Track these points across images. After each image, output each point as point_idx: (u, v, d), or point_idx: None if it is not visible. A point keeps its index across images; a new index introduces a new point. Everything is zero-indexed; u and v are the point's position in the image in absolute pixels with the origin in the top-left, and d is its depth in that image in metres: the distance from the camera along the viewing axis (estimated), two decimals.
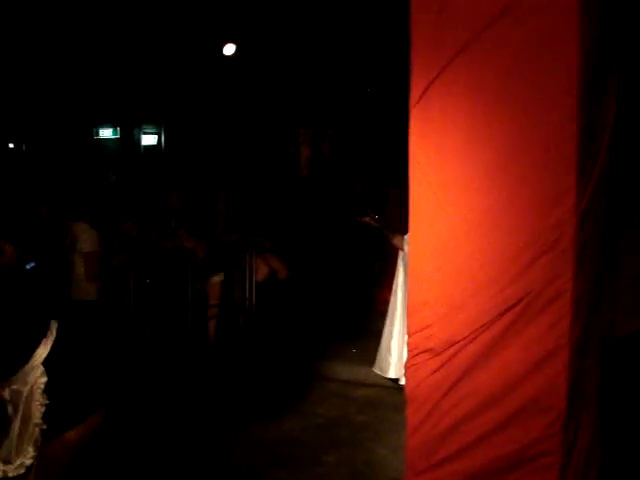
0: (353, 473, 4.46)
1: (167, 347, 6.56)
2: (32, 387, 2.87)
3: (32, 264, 3.43)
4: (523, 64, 3.02)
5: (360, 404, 5.65)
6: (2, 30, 9.37)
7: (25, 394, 2.87)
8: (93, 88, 12.84)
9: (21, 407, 2.86)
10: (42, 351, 2.91)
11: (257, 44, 10.13)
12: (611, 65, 3.16)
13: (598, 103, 3.08)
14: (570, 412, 3.07)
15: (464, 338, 3.21)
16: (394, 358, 5.70)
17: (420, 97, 3.24)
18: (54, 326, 3.02)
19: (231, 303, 7.34)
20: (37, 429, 2.85)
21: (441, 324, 3.29)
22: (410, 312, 3.48)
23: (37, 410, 2.86)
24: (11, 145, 16.91)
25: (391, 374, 5.74)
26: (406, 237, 4.85)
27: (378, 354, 5.88)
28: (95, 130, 17.44)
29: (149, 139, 17.28)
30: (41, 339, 2.93)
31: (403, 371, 5.00)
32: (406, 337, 3.53)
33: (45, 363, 2.90)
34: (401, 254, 5.52)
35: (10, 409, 2.91)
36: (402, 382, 5.43)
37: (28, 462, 2.84)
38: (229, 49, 10.48)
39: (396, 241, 5.46)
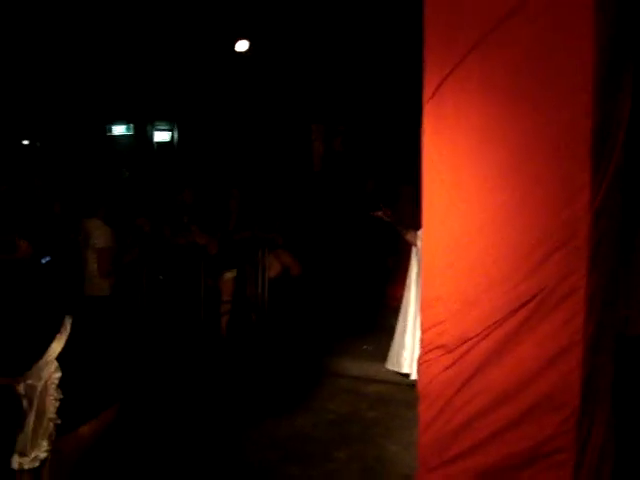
0: (364, 469, 4.47)
1: (180, 343, 6.58)
2: (46, 382, 2.89)
3: (47, 258, 3.45)
4: (536, 62, 3.00)
5: (371, 400, 5.65)
6: (17, 29, 9.42)
7: (39, 389, 2.89)
8: (106, 85, 12.88)
9: (35, 402, 2.89)
10: (56, 346, 2.93)
11: (269, 41, 10.13)
12: (626, 61, 3.14)
13: (613, 100, 3.06)
14: (584, 409, 3.06)
15: (477, 335, 3.21)
16: (407, 354, 5.70)
17: (433, 94, 3.24)
18: (68, 322, 3.04)
19: (243, 299, 7.35)
20: (51, 424, 2.87)
21: (454, 320, 3.28)
22: (423, 308, 3.47)
23: (51, 405, 2.88)
24: (26, 142, 17.02)
25: (404, 370, 5.74)
26: (419, 233, 4.85)
27: (391, 350, 5.88)
28: (108, 127, 17.51)
29: (162, 136, 17.33)
30: (55, 335, 2.95)
31: (415, 367, 5.02)
32: (419, 333, 3.52)
33: (59, 358, 2.92)
34: (414, 249, 5.51)
35: (25, 403, 2.94)
36: (413, 377, 5.44)
37: (42, 456, 2.86)
38: (241, 45, 10.49)
39: (409, 236, 5.46)
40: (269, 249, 7.43)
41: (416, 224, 4.35)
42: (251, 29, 10.12)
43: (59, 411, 2.87)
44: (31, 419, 2.89)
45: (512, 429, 3.16)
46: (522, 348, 3.11)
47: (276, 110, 11.42)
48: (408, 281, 5.70)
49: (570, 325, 3.00)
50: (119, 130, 17.73)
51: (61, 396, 2.88)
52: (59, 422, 2.86)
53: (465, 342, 3.24)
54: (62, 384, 2.89)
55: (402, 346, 5.77)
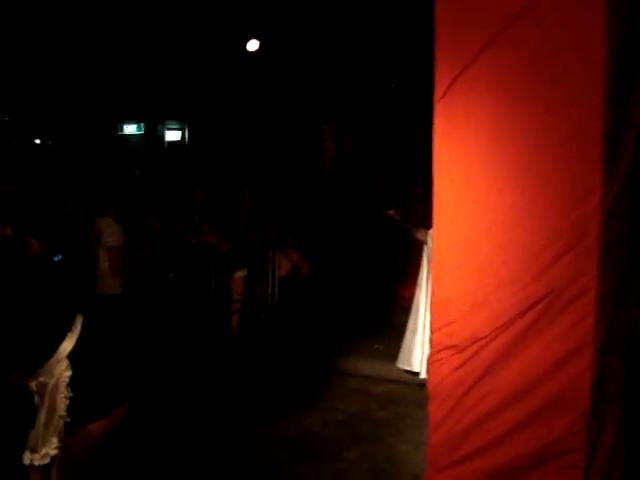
0: (374, 469, 4.47)
1: (190, 341, 6.60)
2: (57, 380, 2.91)
3: (59, 257, 3.47)
4: (546, 61, 2.99)
5: (381, 400, 5.65)
6: (29, 29, 9.47)
7: (50, 386, 2.91)
8: (117, 84, 12.93)
9: (47, 399, 2.91)
10: (67, 345, 2.94)
11: (280, 40, 10.14)
12: (638, 62, 3.13)
13: (624, 101, 3.04)
14: (594, 410, 3.05)
15: (487, 335, 3.20)
16: (418, 352, 5.70)
17: (444, 94, 3.23)
18: (79, 320, 3.05)
19: (254, 298, 7.36)
20: (61, 421, 2.88)
21: (464, 321, 3.28)
22: (433, 308, 3.47)
23: (62, 402, 2.89)
24: (38, 141, 17.11)
25: (415, 369, 5.74)
26: (430, 231, 4.85)
27: (402, 348, 5.89)
28: (119, 126, 17.58)
29: (173, 135, 17.39)
30: (66, 333, 2.97)
31: (425, 366, 5.02)
32: (428, 332, 3.52)
33: (70, 357, 2.93)
34: (425, 248, 5.52)
35: (37, 400, 2.95)
36: (423, 376, 5.44)
37: (53, 452, 2.88)
38: (252, 45, 10.50)
39: (419, 235, 5.47)
40: (279, 248, 7.43)
41: (427, 224, 4.35)
42: (262, 29, 10.13)
43: (69, 409, 2.89)
44: (42, 416, 2.91)
45: (522, 430, 3.15)
46: (532, 349, 3.10)
47: (287, 110, 11.43)
48: (419, 280, 5.72)
49: (581, 326, 2.99)
50: (130, 129, 17.80)
51: (71, 394, 2.90)
52: (69, 420, 2.88)
53: (475, 342, 3.23)
54: (73, 382, 2.91)
55: (413, 345, 5.77)
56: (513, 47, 3.05)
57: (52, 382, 2.91)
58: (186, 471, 4.42)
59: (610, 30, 2.87)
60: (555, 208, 3.01)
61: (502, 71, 3.09)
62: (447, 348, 3.34)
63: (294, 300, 7.56)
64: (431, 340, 3.47)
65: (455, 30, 3.19)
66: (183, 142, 17.06)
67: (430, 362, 3.46)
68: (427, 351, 3.62)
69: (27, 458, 2.94)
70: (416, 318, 5.76)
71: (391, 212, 5.67)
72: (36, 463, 2.90)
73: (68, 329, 2.98)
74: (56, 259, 3.47)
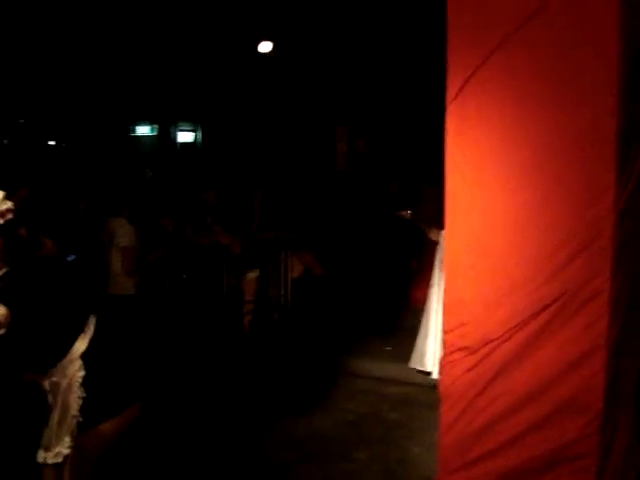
0: (385, 471, 4.45)
1: (202, 341, 6.62)
2: (70, 380, 2.92)
3: (73, 257, 3.49)
4: (559, 61, 2.99)
5: (392, 401, 5.64)
6: (41, 30, 9.53)
7: (63, 386, 2.92)
8: (130, 86, 12.98)
9: (60, 398, 2.92)
10: (80, 345, 2.96)
11: (293, 42, 10.15)
12: None
13: (638, 100, 3.03)
14: (607, 413, 3.03)
15: (499, 337, 3.19)
16: (430, 353, 5.71)
17: (456, 95, 3.23)
18: (92, 320, 3.07)
19: (266, 299, 7.37)
20: (74, 420, 2.90)
21: (476, 322, 3.27)
22: (446, 310, 3.47)
23: (75, 402, 2.91)
24: (52, 142, 17.21)
25: (428, 369, 5.75)
26: (442, 232, 4.86)
27: (414, 348, 5.90)
28: (132, 127, 17.64)
29: (185, 136, 17.43)
30: (79, 333, 2.98)
31: (437, 367, 5.02)
32: (441, 333, 3.52)
33: (83, 357, 2.94)
34: (438, 248, 5.52)
35: (50, 399, 2.97)
36: (434, 376, 5.45)
37: (65, 452, 2.89)
38: (265, 46, 10.51)
39: (432, 235, 5.49)
40: (292, 250, 7.44)
41: (439, 224, 4.35)
42: (274, 30, 10.14)
43: (82, 409, 2.90)
44: (55, 415, 2.93)
45: (534, 432, 3.14)
46: (545, 351, 3.09)
47: (299, 111, 11.43)
48: (432, 280, 5.72)
49: (594, 328, 2.98)
50: (143, 131, 17.86)
51: (84, 394, 2.91)
52: (81, 419, 2.89)
53: (487, 344, 3.22)
54: (85, 382, 2.92)
55: (425, 345, 5.78)
56: (525, 48, 3.04)
57: (65, 382, 2.92)
58: (195, 471, 4.43)
59: (623, 29, 2.85)
60: (568, 208, 3.00)
61: (514, 72, 3.09)
62: (459, 349, 3.33)
63: (306, 301, 7.56)
64: (444, 341, 3.46)
65: (467, 32, 3.19)
66: (196, 143, 17.09)
67: (442, 363, 3.46)
68: (439, 352, 3.62)
69: (41, 456, 2.96)
70: (429, 318, 5.76)
71: (404, 213, 5.71)
72: (49, 461, 2.92)
73: (81, 329, 3.00)
74: (69, 259, 3.48)
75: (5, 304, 2.63)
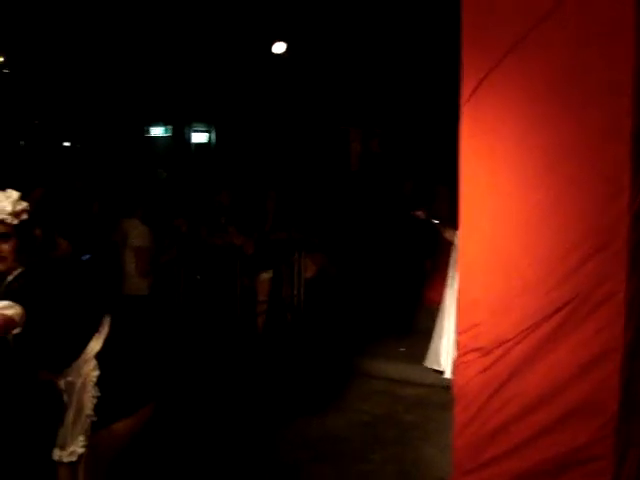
0: (400, 472, 4.44)
1: (216, 342, 6.63)
2: (85, 379, 2.94)
3: (87, 257, 3.51)
4: (573, 61, 2.97)
5: (407, 403, 5.63)
6: (56, 32, 9.59)
7: (78, 386, 2.94)
8: (145, 87, 13.04)
9: (74, 398, 2.94)
10: (94, 345, 2.97)
11: (306, 43, 10.16)
12: None
13: None
14: (622, 416, 3.01)
15: (513, 338, 3.18)
16: (445, 352, 5.69)
17: (470, 96, 3.22)
18: (107, 321, 3.08)
19: (279, 300, 7.38)
20: (88, 420, 2.91)
21: (490, 323, 3.26)
22: (459, 310, 3.46)
23: (89, 401, 2.92)
24: (67, 144, 17.33)
25: (442, 368, 5.74)
26: (457, 231, 4.86)
27: (429, 348, 5.89)
28: (146, 128, 17.72)
29: (199, 137, 17.49)
30: (94, 333, 2.99)
31: (450, 366, 5.01)
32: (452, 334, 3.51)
33: (97, 357, 2.96)
34: (453, 248, 5.51)
35: (66, 398, 2.99)
36: (447, 375, 5.44)
37: (80, 450, 2.91)
38: (279, 47, 10.52)
39: (448, 234, 5.49)
40: (306, 251, 7.44)
41: (453, 224, 4.35)
42: (288, 31, 10.15)
43: (96, 408, 2.92)
44: (70, 414, 2.94)
45: (547, 434, 3.13)
46: (558, 353, 3.07)
47: (313, 112, 11.44)
48: (447, 280, 5.72)
49: (608, 330, 2.96)
50: (157, 131, 17.95)
51: (98, 394, 2.93)
52: (95, 419, 2.90)
53: (501, 345, 3.21)
54: (100, 382, 2.94)
55: (440, 344, 5.77)
56: (538, 49, 3.03)
57: (80, 381, 2.94)
58: (207, 470, 4.43)
59: (638, 29, 2.83)
60: (582, 210, 2.99)
61: (527, 73, 3.08)
62: (473, 350, 3.32)
63: (320, 302, 7.55)
64: (457, 342, 3.45)
65: (481, 33, 3.19)
66: (210, 144, 17.16)
67: (456, 364, 3.45)
68: (453, 352, 3.61)
69: (56, 454, 2.98)
70: (443, 318, 5.75)
71: (419, 212, 5.72)
72: (65, 460, 2.94)
73: (96, 329, 3.01)
74: (84, 259, 3.51)
75: (20, 304, 2.64)
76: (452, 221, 4.09)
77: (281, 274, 7.39)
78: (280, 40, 10.45)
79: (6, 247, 2.81)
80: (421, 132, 10.07)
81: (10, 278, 2.86)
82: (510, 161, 3.17)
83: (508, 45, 3.08)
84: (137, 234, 5.85)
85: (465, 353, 3.36)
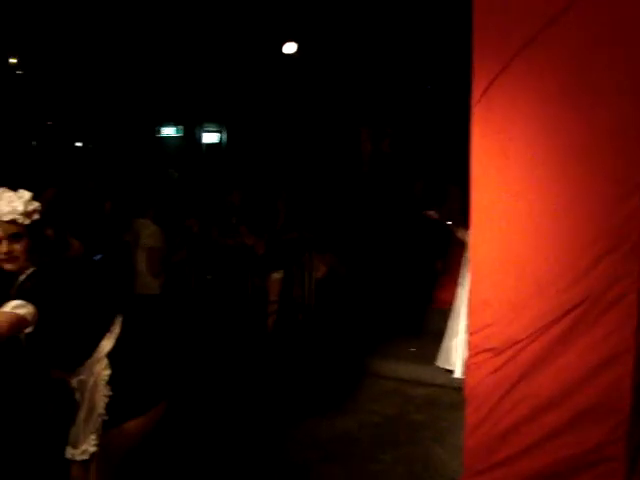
0: (410, 472, 4.43)
1: (226, 341, 6.64)
2: (96, 378, 2.95)
3: (99, 256, 3.52)
4: (586, 61, 2.96)
5: (418, 403, 5.62)
6: (71, 34, 9.63)
7: (90, 384, 2.95)
8: (156, 88, 13.08)
9: (86, 396, 2.95)
10: (106, 344, 2.98)
11: (317, 43, 10.16)
12: None
13: None
14: (633, 418, 2.99)
15: (524, 339, 3.17)
16: (455, 352, 5.69)
17: (481, 97, 3.22)
18: (118, 320, 3.09)
19: (290, 300, 7.38)
20: (99, 419, 2.92)
21: (501, 324, 3.25)
22: (471, 311, 3.45)
23: (101, 400, 2.93)
24: (79, 144, 17.42)
25: (453, 368, 5.73)
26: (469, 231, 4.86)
27: (441, 347, 5.89)
28: (158, 128, 17.78)
29: (211, 137, 17.51)
30: (105, 332, 3.01)
31: (461, 367, 4.99)
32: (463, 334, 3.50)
33: (109, 356, 2.97)
34: (466, 248, 5.51)
35: (78, 396, 3.00)
36: (457, 375, 5.43)
37: (91, 449, 2.92)
38: (289, 48, 10.53)
39: (460, 234, 5.49)
40: (316, 251, 7.44)
41: (466, 224, 4.34)
42: (299, 31, 10.16)
43: (108, 407, 2.93)
44: (82, 413, 2.96)
45: (559, 436, 3.12)
46: (570, 354, 3.06)
47: (324, 112, 11.44)
48: (460, 279, 5.71)
49: (621, 331, 2.94)
50: (168, 132, 17.99)
51: (110, 393, 2.94)
52: (107, 418, 2.92)
53: (512, 346, 3.20)
54: (111, 381, 2.95)
55: (452, 344, 5.76)
56: (549, 50, 3.03)
57: (91, 380, 2.95)
58: (217, 469, 4.44)
59: None
60: (594, 210, 2.97)
61: (538, 74, 3.07)
62: (485, 351, 3.32)
63: (330, 302, 7.55)
64: (469, 342, 3.44)
65: (492, 34, 3.18)
66: (221, 144, 17.18)
67: (467, 364, 3.44)
68: (464, 352, 3.61)
69: (69, 452, 3.00)
70: (457, 318, 5.75)
71: (431, 212, 5.72)
72: (77, 458, 2.96)
73: (107, 329, 3.02)
74: (96, 259, 3.52)
75: (32, 303, 2.66)
76: (464, 221, 4.08)
77: (292, 274, 7.39)
78: (291, 40, 10.46)
79: (18, 247, 2.82)
80: (432, 132, 10.05)
81: (22, 278, 2.87)
82: (521, 162, 3.16)
83: (519, 46, 3.07)
84: (149, 234, 5.87)
85: (476, 354, 3.35)
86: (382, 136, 11.29)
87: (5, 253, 2.81)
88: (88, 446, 2.92)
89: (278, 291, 7.18)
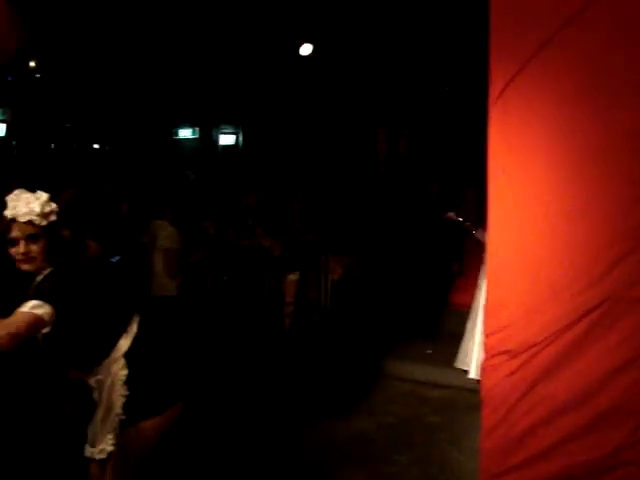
0: (426, 474, 4.43)
1: (243, 342, 6.66)
2: (114, 378, 2.97)
3: (117, 258, 3.54)
4: (600, 63, 2.94)
5: (434, 405, 5.61)
6: (88, 37, 9.69)
7: (107, 384, 2.97)
8: (172, 89, 13.13)
9: (104, 396, 2.97)
10: (123, 344, 3.00)
11: (333, 44, 10.15)
12: None
13: None
14: None
15: (541, 341, 3.15)
16: (475, 353, 5.67)
17: (497, 98, 3.21)
18: (135, 321, 3.11)
19: (306, 301, 7.38)
20: (117, 418, 2.94)
21: (518, 326, 3.23)
22: (487, 312, 3.44)
23: (118, 400, 2.95)
24: (96, 146, 17.53)
25: (470, 369, 5.72)
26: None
27: (460, 348, 5.89)
28: (174, 130, 17.84)
29: (227, 139, 17.53)
30: (122, 332, 3.03)
31: (478, 368, 4.97)
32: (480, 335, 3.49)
33: (126, 356, 2.99)
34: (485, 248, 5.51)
35: (96, 396, 3.03)
36: (472, 375, 5.41)
37: (109, 449, 2.94)
38: (306, 49, 10.53)
39: (479, 235, 5.49)
40: (333, 252, 7.44)
41: (483, 226, 4.34)
42: (315, 33, 10.16)
43: (125, 407, 2.94)
44: (100, 412, 2.98)
45: (576, 439, 3.09)
46: (586, 358, 3.04)
47: (340, 113, 11.43)
48: (479, 280, 5.70)
49: (637, 336, 2.92)
50: (185, 133, 18.04)
51: (127, 392, 2.95)
52: (124, 417, 2.93)
53: (530, 348, 3.19)
54: (129, 381, 2.96)
55: (470, 344, 5.75)
56: (566, 51, 3.01)
57: (109, 380, 2.97)
58: (233, 470, 4.45)
59: None
60: (611, 212, 2.96)
61: (555, 75, 3.06)
62: (501, 353, 3.30)
63: (347, 303, 7.55)
64: (485, 344, 3.43)
65: (508, 35, 3.17)
66: (237, 146, 17.20)
67: (484, 367, 3.42)
68: (481, 354, 3.60)
69: (88, 451, 3.02)
70: (474, 319, 5.73)
71: (450, 214, 5.73)
72: (95, 457, 2.98)
73: (124, 329, 3.04)
74: (114, 260, 3.54)
75: (50, 303, 2.68)
76: (480, 223, 4.08)
77: (308, 276, 7.40)
78: (307, 42, 10.46)
79: (35, 248, 2.85)
80: (448, 134, 10.02)
81: (40, 278, 2.90)
82: (538, 164, 3.15)
83: (535, 47, 3.06)
84: (166, 235, 5.89)
85: (493, 356, 3.34)
86: (398, 137, 11.28)
87: (22, 254, 2.84)
88: (106, 445, 2.94)
89: (294, 293, 7.19)
